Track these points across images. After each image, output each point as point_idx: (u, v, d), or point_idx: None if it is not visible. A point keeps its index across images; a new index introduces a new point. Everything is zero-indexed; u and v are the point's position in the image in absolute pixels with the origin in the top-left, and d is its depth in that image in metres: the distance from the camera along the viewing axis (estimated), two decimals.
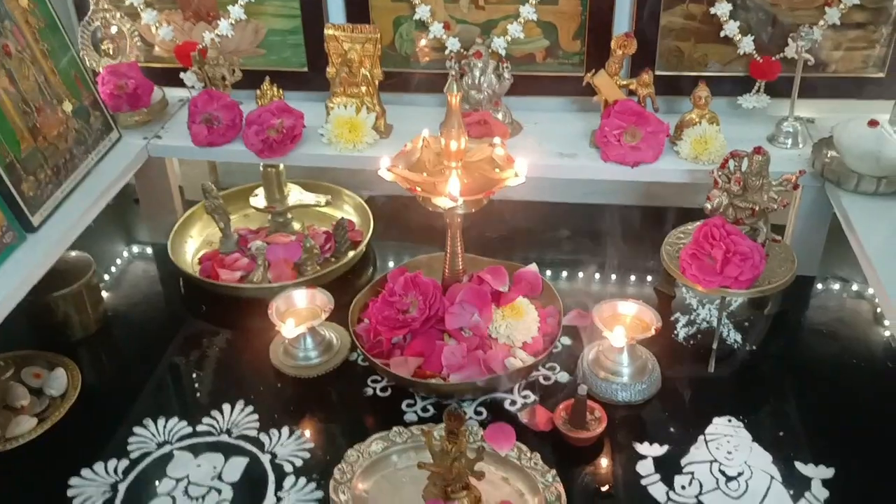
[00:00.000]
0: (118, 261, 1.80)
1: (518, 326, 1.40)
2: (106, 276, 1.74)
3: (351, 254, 1.69)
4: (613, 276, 1.70)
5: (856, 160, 1.44)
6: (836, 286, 1.65)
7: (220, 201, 1.69)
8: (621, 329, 1.36)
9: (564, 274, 1.71)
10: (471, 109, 1.66)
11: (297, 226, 1.81)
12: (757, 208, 1.39)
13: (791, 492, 1.21)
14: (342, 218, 1.73)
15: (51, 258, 1.40)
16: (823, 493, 1.21)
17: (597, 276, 1.71)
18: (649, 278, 1.68)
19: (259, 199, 1.82)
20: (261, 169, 1.76)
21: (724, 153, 1.47)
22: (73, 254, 1.58)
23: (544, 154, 1.63)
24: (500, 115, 1.69)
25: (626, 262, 1.73)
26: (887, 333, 1.51)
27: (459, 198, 1.27)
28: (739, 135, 1.60)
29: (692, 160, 1.58)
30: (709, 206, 1.42)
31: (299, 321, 1.43)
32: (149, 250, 1.84)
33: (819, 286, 1.65)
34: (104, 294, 1.66)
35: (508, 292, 1.44)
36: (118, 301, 1.68)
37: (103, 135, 1.63)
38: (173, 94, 1.84)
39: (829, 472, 1.24)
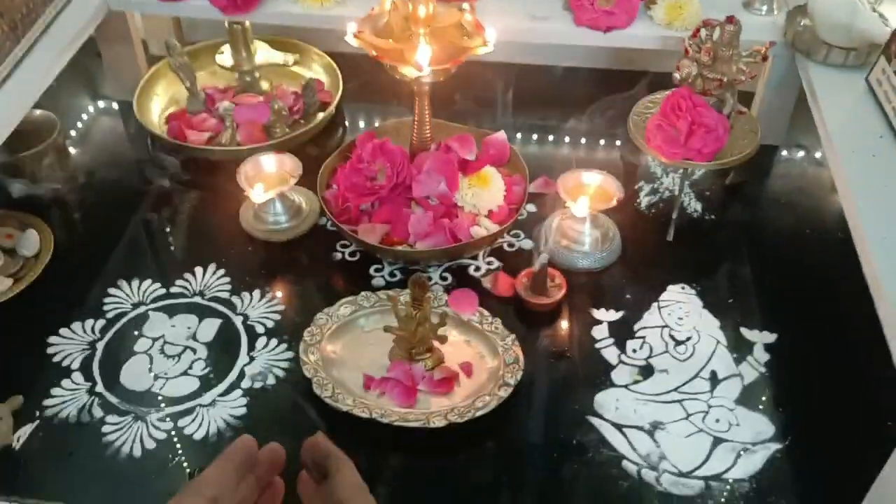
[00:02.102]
0: (84, 118, 1.78)
1: (484, 195, 1.42)
2: (73, 134, 1.72)
3: (320, 115, 1.67)
4: (583, 141, 1.71)
5: (828, 29, 1.42)
6: (799, 155, 1.68)
7: (186, 59, 1.65)
8: (585, 199, 1.39)
9: (534, 137, 1.72)
10: None
11: (265, 85, 1.78)
12: (725, 80, 1.39)
13: (734, 355, 1.29)
14: (311, 78, 1.71)
15: (15, 117, 1.38)
16: (764, 357, 1.28)
17: (566, 139, 1.72)
18: (618, 142, 1.70)
19: (225, 57, 1.78)
20: (226, 25, 1.71)
21: (699, 20, 1.45)
22: (38, 113, 1.55)
23: (516, 16, 1.60)
24: None
25: (595, 128, 1.74)
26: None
27: (426, 67, 1.25)
28: (715, 1, 1.56)
29: (666, 26, 1.55)
30: (678, 76, 1.42)
31: (268, 186, 1.44)
32: (115, 106, 1.81)
33: (782, 154, 1.67)
34: (72, 153, 1.65)
35: (475, 161, 1.46)
36: (86, 160, 1.67)
37: None
38: None
39: (771, 338, 1.31)
